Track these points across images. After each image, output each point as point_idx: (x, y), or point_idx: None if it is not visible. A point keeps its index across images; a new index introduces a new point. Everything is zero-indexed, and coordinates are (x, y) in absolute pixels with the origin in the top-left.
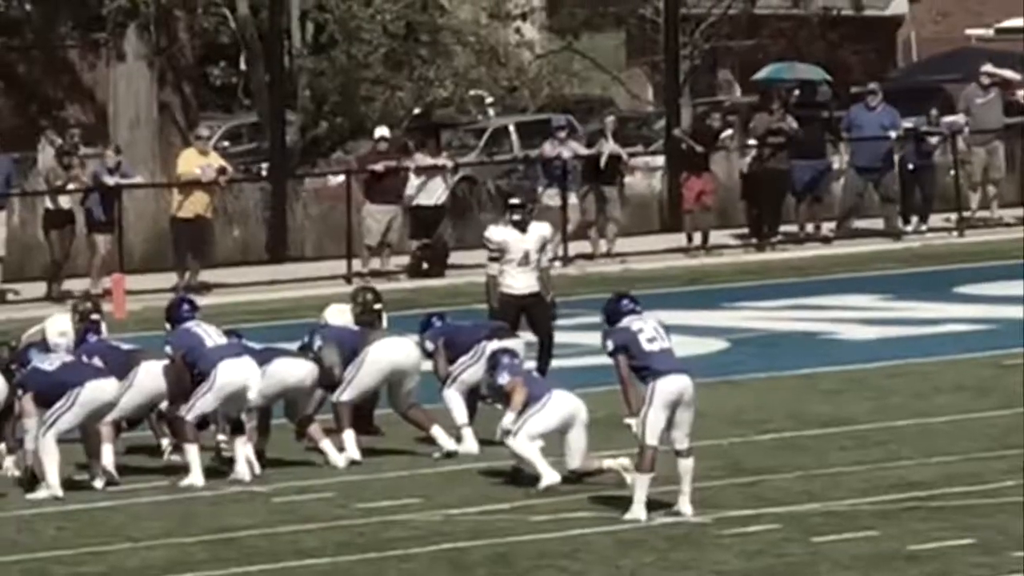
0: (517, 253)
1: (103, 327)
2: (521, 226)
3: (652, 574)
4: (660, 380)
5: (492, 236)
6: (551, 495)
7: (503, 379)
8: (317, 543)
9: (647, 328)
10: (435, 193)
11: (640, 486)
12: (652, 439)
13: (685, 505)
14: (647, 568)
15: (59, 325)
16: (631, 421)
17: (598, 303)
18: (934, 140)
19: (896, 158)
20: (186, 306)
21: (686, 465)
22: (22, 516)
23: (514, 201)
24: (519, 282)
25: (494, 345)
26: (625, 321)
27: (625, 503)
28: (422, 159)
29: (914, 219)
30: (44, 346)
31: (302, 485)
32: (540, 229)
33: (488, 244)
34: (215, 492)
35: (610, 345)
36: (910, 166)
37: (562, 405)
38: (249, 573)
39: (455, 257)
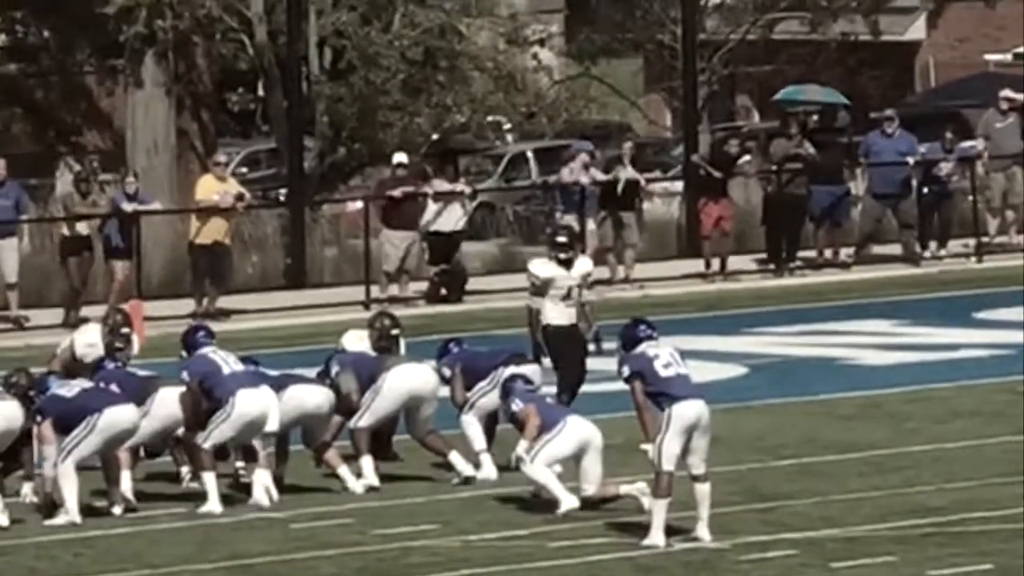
0: (561, 290)
1: (134, 340)
2: (567, 264)
3: None
4: (676, 406)
5: (538, 272)
6: (569, 521)
7: (516, 406)
8: (335, 569)
9: (663, 354)
10: (453, 219)
11: (658, 512)
12: (668, 464)
13: (703, 531)
14: None
15: (88, 336)
16: (647, 447)
17: (616, 329)
18: (949, 166)
19: (914, 183)
20: (202, 332)
21: (703, 490)
22: (40, 542)
23: (560, 240)
24: (561, 315)
25: (510, 371)
26: (641, 347)
27: (643, 529)
28: (440, 185)
29: (932, 244)
30: (72, 361)
31: (320, 511)
32: (583, 265)
33: (533, 280)
34: (233, 518)
35: (626, 371)
36: (924, 190)
37: (577, 431)
38: None
39: (473, 283)
